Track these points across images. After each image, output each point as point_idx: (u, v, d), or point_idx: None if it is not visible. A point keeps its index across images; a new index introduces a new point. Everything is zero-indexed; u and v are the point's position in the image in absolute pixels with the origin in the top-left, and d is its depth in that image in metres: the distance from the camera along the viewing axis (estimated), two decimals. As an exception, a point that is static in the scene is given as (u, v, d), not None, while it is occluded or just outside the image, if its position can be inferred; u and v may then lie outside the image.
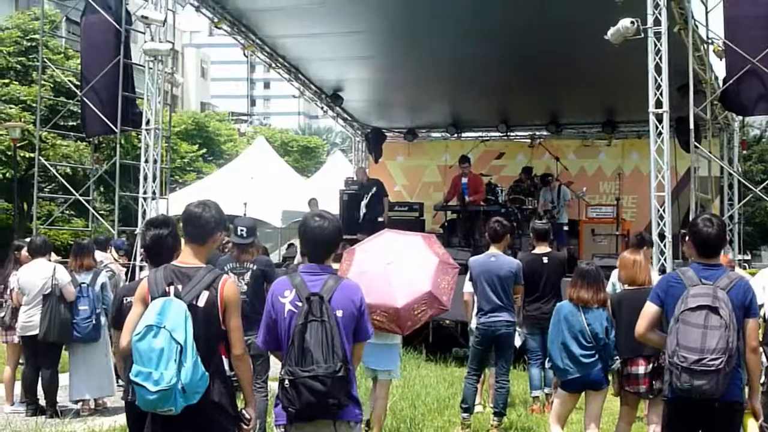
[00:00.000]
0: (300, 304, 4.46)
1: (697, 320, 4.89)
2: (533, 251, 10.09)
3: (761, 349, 5.56)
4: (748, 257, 43.19)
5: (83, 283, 9.51)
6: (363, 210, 17.54)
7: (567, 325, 6.96)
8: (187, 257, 4.69)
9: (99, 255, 10.63)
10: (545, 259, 9.70)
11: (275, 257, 19.72)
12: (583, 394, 7.21)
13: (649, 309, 5.33)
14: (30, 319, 9.38)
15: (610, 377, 7.05)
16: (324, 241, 4.69)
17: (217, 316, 4.53)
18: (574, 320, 6.92)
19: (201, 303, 4.49)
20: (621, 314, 6.90)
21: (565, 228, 17.15)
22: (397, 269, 7.21)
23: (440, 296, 7.23)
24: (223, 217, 4.81)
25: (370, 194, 17.77)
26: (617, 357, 6.88)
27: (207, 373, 4.40)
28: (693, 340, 4.86)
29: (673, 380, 4.96)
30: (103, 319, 9.49)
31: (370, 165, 22.90)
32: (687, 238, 5.44)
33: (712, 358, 4.81)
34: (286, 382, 4.34)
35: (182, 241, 4.94)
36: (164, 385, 4.23)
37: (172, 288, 4.49)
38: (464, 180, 16.42)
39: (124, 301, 5.68)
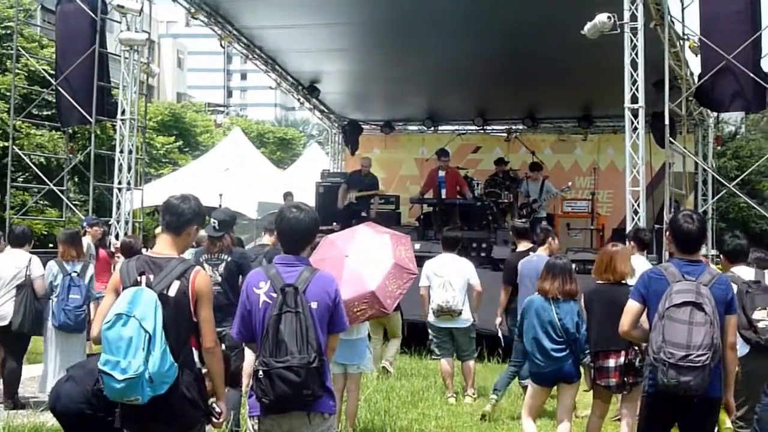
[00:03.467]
0: (275, 295, 4.44)
1: (682, 316, 4.91)
2: (516, 250, 10.10)
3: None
4: (721, 253, 43.36)
5: (75, 272, 9.38)
6: (353, 199, 17.21)
7: (538, 319, 6.96)
8: (162, 248, 4.69)
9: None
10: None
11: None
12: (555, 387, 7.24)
13: (633, 306, 5.35)
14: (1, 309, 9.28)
15: (582, 370, 7.07)
16: (300, 232, 4.67)
17: (188, 306, 4.52)
18: (545, 314, 6.92)
19: (172, 293, 4.48)
20: (593, 307, 6.90)
21: (544, 223, 17.04)
22: (352, 262, 7.14)
23: (383, 299, 7.02)
24: (202, 211, 4.81)
25: (370, 190, 17.48)
26: (588, 351, 6.90)
27: (176, 364, 4.39)
28: (679, 336, 4.89)
29: (658, 376, 4.97)
30: None
31: (346, 157, 22.88)
32: (667, 233, 5.45)
33: (699, 354, 4.84)
34: (260, 372, 4.33)
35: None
36: (131, 374, 4.23)
37: (143, 278, 4.48)
38: (441, 174, 16.35)
39: None
